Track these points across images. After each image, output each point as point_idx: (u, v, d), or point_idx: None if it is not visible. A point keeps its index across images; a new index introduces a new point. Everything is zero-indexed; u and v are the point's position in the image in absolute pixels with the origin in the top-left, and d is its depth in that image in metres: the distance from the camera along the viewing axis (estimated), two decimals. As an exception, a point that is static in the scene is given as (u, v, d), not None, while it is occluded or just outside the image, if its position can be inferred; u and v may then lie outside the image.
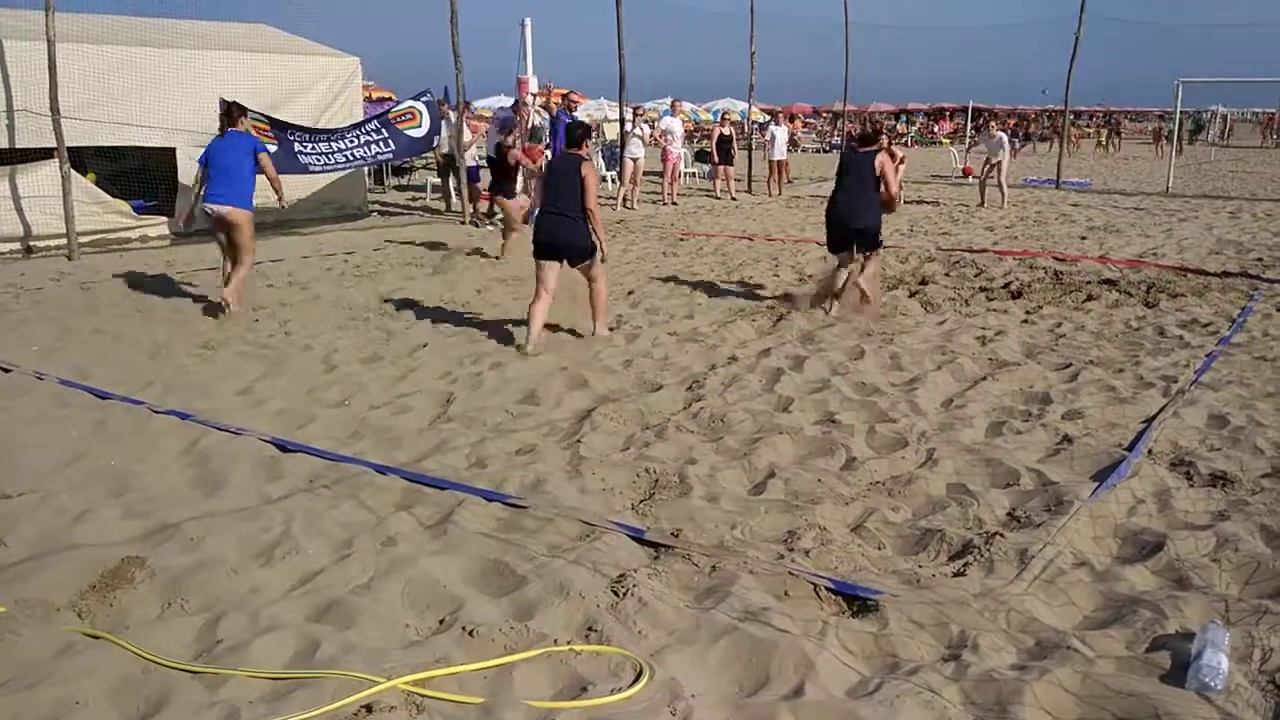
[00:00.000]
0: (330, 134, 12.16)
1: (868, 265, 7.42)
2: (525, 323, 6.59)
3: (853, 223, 7.28)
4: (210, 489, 4.10)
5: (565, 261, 6.51)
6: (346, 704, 2.51)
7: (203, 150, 7.69)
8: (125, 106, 11.38)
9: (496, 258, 10.49)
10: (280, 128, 11.61)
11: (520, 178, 11.37)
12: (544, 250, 6.48)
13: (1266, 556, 3.32)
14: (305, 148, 11.82)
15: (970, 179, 15.46)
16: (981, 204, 15.78)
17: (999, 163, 15.66)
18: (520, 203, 10.69)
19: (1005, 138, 16.03)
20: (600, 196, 16.46)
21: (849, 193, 7.32)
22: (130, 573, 3.27)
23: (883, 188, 7.27)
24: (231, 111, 7.73)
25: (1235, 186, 20.15)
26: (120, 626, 2.98)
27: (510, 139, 10.78)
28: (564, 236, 6.40)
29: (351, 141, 12.15)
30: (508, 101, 16.26)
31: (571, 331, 6.93)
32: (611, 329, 6.96)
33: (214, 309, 7.62)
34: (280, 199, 7.92)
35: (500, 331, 7.02)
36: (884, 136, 8.06)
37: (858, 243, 7.32)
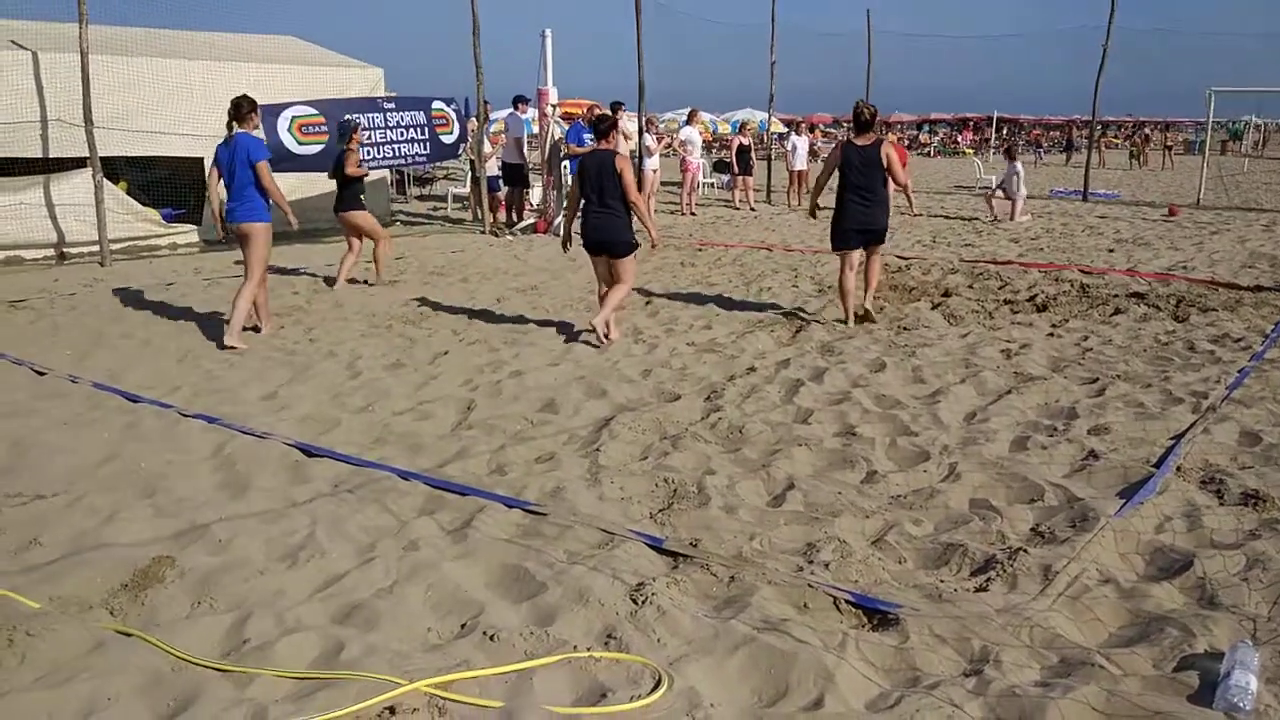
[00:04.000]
0: (384, 112, 12.39)
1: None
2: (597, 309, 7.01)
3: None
4: (237, 491, 4.16)
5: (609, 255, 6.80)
6: (370, 705, 2.53)
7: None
8: (155, 116, 11.57)
9: (369, 283, 9.40)
10: (335, 115, 11.48)
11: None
12: (592, 246, 6.85)
13: (1296, 575, 3.27)
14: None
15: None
16: (994, 218, 15.61)
17: (1005, 187, 15.53)
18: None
19: (1019, 166, 15.89)
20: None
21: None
22: (161, 572, 3.32)
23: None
24: (241, 108, 6.86)
25: (1269, 199, 19.90)
26: (151, 624, 3.02)
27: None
28: (608, 232, 6.71)
29: (398, 135, 12.39)
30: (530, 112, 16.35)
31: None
32: (607, 336, 6.82)
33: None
34: (288, 217, 7.20)
35: (519, 340, 7.06)
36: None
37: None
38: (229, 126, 6.87)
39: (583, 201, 6.79)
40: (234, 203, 6.93)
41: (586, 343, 6.90)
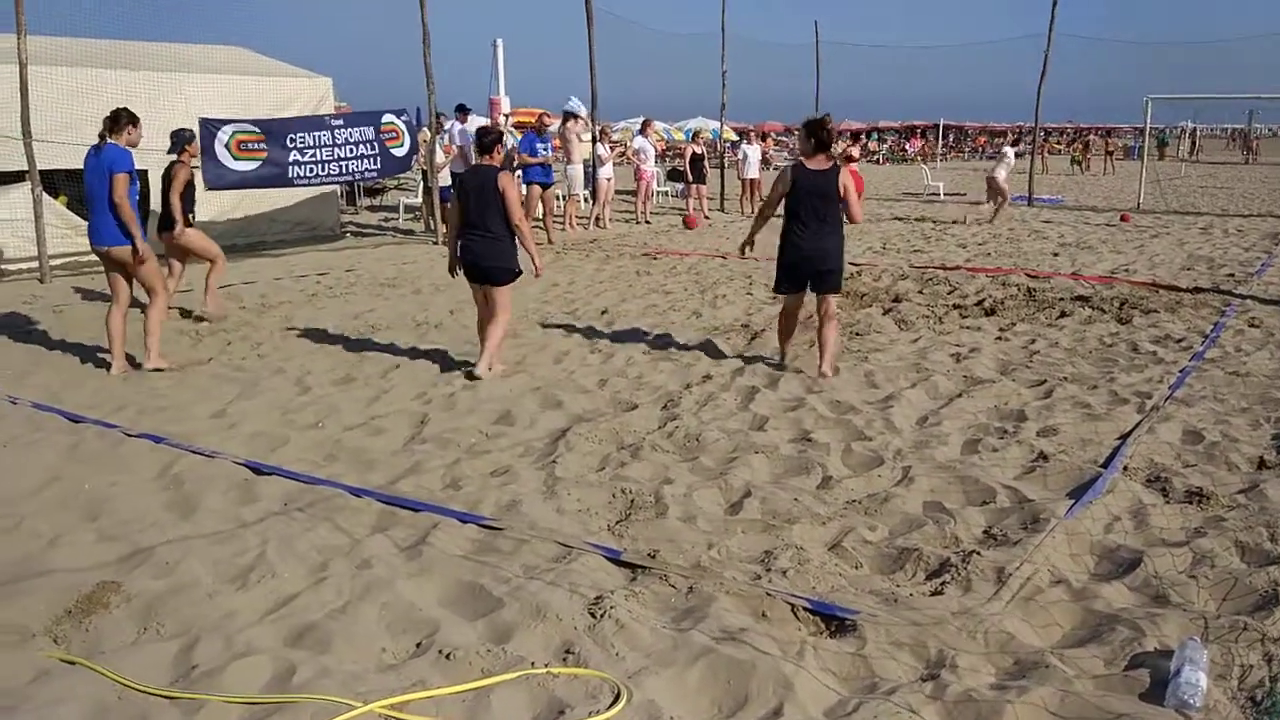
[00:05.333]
0: (331, 129, 12.19)
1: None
2: (480, 345, 6.38)
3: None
4: (185, 512, 4.05)
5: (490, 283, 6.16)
6: (322, 731, 2.48)
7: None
8: (97, 129, 11.26)
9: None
10: (279, 134, 11.55)
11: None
12: (471, 272, 6.21)
13: (1243, 572, 3.34)
14: (302, 156, 11.84)
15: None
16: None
17: (992, 177, 16.51)
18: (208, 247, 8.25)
19: (1008, 151, 17.18)
20: (577, 216, 16.26)
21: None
22: (106, 598, 3.23)
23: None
24: (120, 119, 6.23)
25: (1206, 202, 20.52)
26: (96, 652, 2.94)
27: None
28: (489, 258, 6.09)
29: (347, 152, 12.17)
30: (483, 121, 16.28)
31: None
32: (498, 369, 6.28)
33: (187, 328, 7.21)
34: (135, 243, 6.19)
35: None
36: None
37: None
38: (101, 137, 6.22)
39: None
40: (98, 221, 6.23)
41: (470, 375, 6.18)
